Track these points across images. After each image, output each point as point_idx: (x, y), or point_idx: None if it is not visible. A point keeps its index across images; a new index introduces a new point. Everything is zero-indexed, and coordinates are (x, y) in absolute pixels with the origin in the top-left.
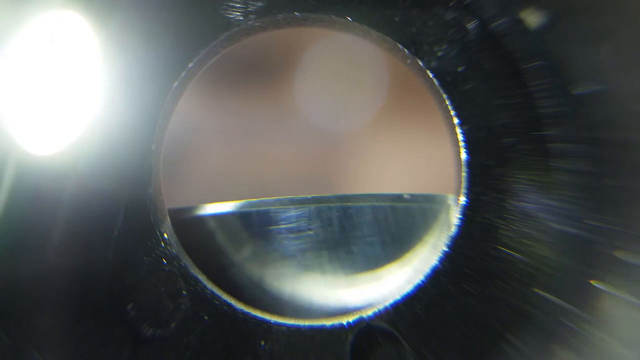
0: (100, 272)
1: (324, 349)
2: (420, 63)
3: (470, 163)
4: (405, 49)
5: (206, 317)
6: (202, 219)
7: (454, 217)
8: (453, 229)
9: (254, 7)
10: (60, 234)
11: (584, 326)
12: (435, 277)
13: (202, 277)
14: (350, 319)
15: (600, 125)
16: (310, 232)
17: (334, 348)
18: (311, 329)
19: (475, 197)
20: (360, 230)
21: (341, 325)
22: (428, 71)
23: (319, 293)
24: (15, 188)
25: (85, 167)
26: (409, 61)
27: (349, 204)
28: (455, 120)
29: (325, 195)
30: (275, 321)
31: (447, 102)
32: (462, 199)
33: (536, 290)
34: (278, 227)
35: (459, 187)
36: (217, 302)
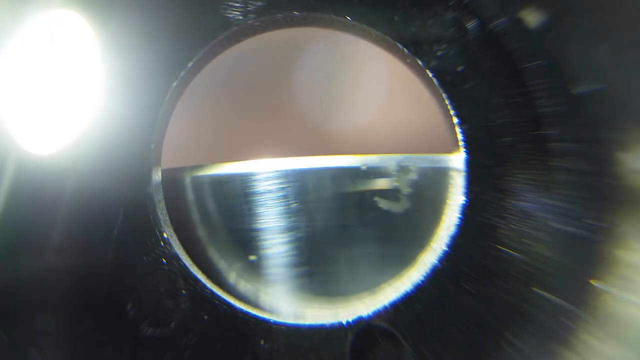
0: (100, 271)
1: (324, 349)
2: (420, 62)
3: (470, 162)
4: (404, 49)
5: (206, 317)
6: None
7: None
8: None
9: (254, 7)
10: (60, 234)
11: (584, 326)
12: (435, 277)
13: (201, 277)
14: (350, 318)
15: (600, 124)
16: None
17: (333, 347)
18: (311, 328)
19: (474, 196)
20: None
21: (341, 325)
22: (427, 70)
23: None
24: (14, 188)
25: (84, 166)
26: (408, 60)
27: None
28: (455, 120)
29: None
30: (275, 321)
31: (447, 102)
32: (462, 199)
33: (536, 289)
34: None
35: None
36: (216, 301)
